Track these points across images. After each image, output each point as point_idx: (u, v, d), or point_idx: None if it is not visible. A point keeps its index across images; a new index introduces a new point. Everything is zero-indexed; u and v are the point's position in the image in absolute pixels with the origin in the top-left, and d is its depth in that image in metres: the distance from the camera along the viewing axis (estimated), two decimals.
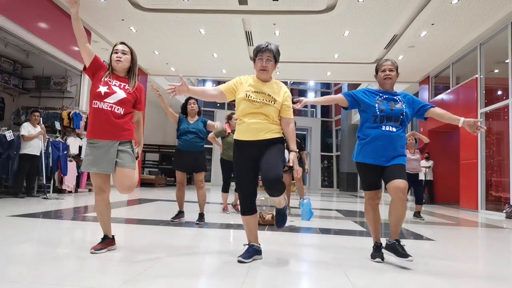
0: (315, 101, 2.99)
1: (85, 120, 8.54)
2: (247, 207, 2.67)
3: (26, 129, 6.88)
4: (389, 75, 2.91)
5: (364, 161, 2.86)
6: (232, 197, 6.15)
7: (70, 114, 8.23)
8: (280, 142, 2.65)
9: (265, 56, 2.62)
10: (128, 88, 2.73)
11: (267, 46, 2.64)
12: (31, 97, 9.32)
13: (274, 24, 8.65)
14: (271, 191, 2.51)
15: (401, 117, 2.80)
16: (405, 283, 2.33)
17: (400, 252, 2.63)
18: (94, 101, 2.65)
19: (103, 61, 2.84)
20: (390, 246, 2.72)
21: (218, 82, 21.32)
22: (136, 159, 2.76)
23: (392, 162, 2.75)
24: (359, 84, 17.67)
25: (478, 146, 8.78)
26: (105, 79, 2.68)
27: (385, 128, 2.78)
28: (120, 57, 2.71)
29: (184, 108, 4.67)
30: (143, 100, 2.91)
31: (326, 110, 22.75)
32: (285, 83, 21.20)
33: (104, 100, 2.62)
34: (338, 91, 21.52)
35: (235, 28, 8.96)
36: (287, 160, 5.98)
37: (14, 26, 6.62)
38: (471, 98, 9.22)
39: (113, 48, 2.77)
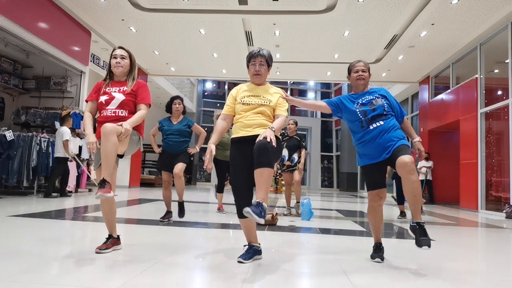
0: (300, 102, 3.00)
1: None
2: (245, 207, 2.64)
3: (69, 135, 7.21)
4: (362, 75, 2.92)
5: (366, 162, 2.86)
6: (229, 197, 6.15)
7: (70, 114, 8.22)
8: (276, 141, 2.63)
9: (258, 61, 2.71)
10: (126, 90, 2.74)
11: (259, 51, 2.73)
12: (31, 97, 9.33)
13: (274, 24, 8.65)
14: (258, 158, 2.35)
15: (385, 111, 2.80)
16: (405, 283, 2.33)
17: (417, 239, 2.49)
18: (100, 111, 2.76)
19: (99, 82, 2.88)
20: (411, 228, 2.58)
21: (218, 82, 21.37)
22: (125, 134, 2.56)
23: (394, 147, 2.71)
24: None
25: (478, 146, 8.78)
26: (104, 89, 2.76)
27: (373, 126, 2.77)
28: (119, 62, 2.76)
29: (169, 107, 4.66)
30: (144, 94, 2.79)
31: None
32: (285, 83, 21.28)
33: (106, 108, 2.70)
34: (338, 91, 21.53)
35: (235, 28, 8.96)
36: (285, 158, 5.97)
37: (14, 26, 6.62)
38: (471, 98, 9.22)
39: (112, 53, 2.81)
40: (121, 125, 2.52)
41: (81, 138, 8.39)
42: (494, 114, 8.82)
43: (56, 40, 7.84)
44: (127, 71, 2.82)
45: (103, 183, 2.41)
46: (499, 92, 8.89)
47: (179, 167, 4.39)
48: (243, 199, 2.60)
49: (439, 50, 9.80)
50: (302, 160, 5.92)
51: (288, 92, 22.34)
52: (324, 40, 9.49)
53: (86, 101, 2.86)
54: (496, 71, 9.69)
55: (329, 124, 22.37)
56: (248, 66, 2.78)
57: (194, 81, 18.51)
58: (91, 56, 9.69)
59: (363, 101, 2.88)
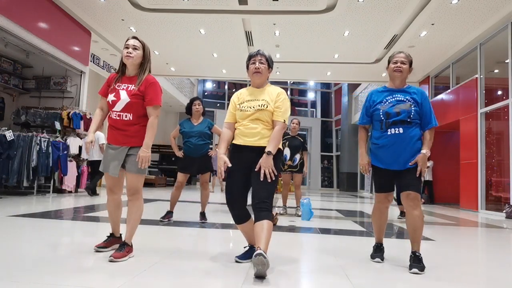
0: (361, 152, 2.89)
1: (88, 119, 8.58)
2: (240, 215, 2.58)
3: (104, 138, 7.62)
4: (400, 67, 2.74)
5: (377, 164, 2.80)
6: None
7: (70, 114, 8.23)
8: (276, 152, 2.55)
9: (258, 59, 2.61)
10: (133, 89, 2.57)
11: (258, 50, 2.66)
12: (31, 97, 9.33)
13: (274, 24, 8.65)
14: (257, 212, 2.39)
15: (409, 119, 2.64)
16: (405, 284, 2.33)
17: (411, 264, 2.58)
18: (109, 111, 2.68)
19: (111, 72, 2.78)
20: (410, 256, 2.65)
21: (218, 82, 21.36)
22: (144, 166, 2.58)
23: (407, 166, 2.64)
24: (359, 84, 17.70)
25: (478, 146, 8.78)
26: (114, 85, 2.64)
27: (391, 132, 2.66)
28: (130, 53, 2.59)
29: (189, 109, 4.70)
30: (153, 93, 2.59)
31: (326, 110, 22.75)
32: (285, 83, 21.26)
33: (113, 110, 2.60)
34: (338, 91, 21.51)
35: (235, 28, 8.96)
36: (287, 158, 5.96)
37: (14, 26, 6.62)
38: (471, 98, 9.22)
39: (125, 43, 2.66)
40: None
41: (81, 138, 8.39)
42: (494, 114, 8.82)
43: (56, 40, 7.84)
44: (139, 63, 2.64)
45: (121, 247, 2.49)
46: (499, 92, 8.89)
47: (207, 178, 4.67)
48: (237, 203, 2.56)
49: (439, 50, 9.80)
50: (307, 164, 6.06)
51: (288, 92, 22.41)
52: (324, 40, 9.49)
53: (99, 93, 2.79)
54: (496, 71, 9.69)
55: (329, 124, 22.36)
56: (248, 66, 2.66)
57: (194, 81, 18.51)
58: (91, 56, 9.68)
59: (391, 100, 2.73)
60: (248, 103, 2.58)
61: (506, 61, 7.94)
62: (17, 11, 6.69)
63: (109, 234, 2.82)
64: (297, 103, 23.23)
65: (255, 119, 2.53)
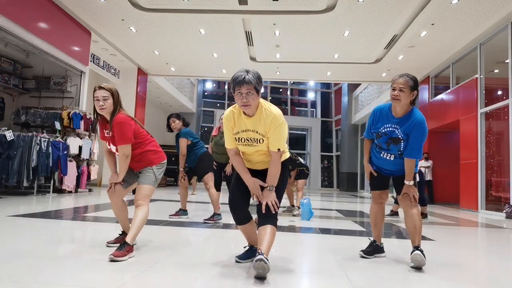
0: (365, 163, 3.01)
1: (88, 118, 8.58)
2: (241, 217, 2.57)
3: None
4: (397, 96, 2.59)
5: (373, 166, 2.99)
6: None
7: (70, 114, 8.22)
8: (282, 167, 2.50)
9: (244, 90, 2.26)
10: (110, 135, 2.75)
11: (244, 78, 2.26)
12: (31, 97, 9.33)
13: (274, 24, 8.65)
14: (262, 218, 2.39)
15: (398, 152, 2.74)
16: (405, 283, 2.33)
17: (412, 251, 2.62)
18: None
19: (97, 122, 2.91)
20: (412, 251, 2.66)
21: (218, 82, 21.36)
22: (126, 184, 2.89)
23: (399, 174, 2.82)
24: (359, 84, 17.70)
25: (478, 146, 8.78)
26: (105, 134, 2.82)
27: (384, 155, 2.84)
28: (102, 105, 2.68)
29: (168, 127, 5.01)
30: (118, 134, 2.69)
31: (326, 110, 22.74)
32: (285, 83, 21.26)
33: (116, 154, 2.86)
34: (338, 91, 21.51)
35: (235, 28, 8.96)
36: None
37: (14, 26, 6.62)
38: (471, 98, 9.22)
39: (94, 93, 2.72)
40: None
41: (81, 138, 8.39)
42: (494, 114, 8.82)
43: (56, 40, 7.84)
44: (112, 110, 2.73)
45: (122, 246, 2.50)
46: (499, 92, 8.89)
47: (206, 180, 4.80)
48: (240, 207, 2.56)
49: (439, 50, 9.80)
50: (293, 178, 6.10)
51: (288, 92, 22.40)
52: (324, 40, 9.49)
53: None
54: (496, 71, 9.69)
55: (329, 124, 22.35)
56: (233, 91, 2.34)
57: (194, 81, 18.49)
58: (91, 56, 9.68)
59: (386, 131, 2.71)
60: (244, 134, 2.42)
61: (506, 61, 7.94)
62: (17, 11, 6.69)
63: (121, 232, 2.99)
64: (297, 103, 23.22)
65: (254, 152, 2.47)
